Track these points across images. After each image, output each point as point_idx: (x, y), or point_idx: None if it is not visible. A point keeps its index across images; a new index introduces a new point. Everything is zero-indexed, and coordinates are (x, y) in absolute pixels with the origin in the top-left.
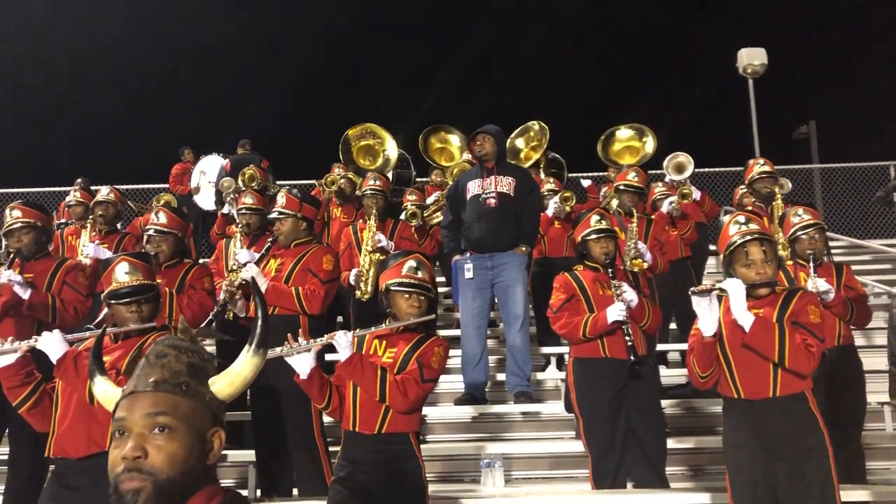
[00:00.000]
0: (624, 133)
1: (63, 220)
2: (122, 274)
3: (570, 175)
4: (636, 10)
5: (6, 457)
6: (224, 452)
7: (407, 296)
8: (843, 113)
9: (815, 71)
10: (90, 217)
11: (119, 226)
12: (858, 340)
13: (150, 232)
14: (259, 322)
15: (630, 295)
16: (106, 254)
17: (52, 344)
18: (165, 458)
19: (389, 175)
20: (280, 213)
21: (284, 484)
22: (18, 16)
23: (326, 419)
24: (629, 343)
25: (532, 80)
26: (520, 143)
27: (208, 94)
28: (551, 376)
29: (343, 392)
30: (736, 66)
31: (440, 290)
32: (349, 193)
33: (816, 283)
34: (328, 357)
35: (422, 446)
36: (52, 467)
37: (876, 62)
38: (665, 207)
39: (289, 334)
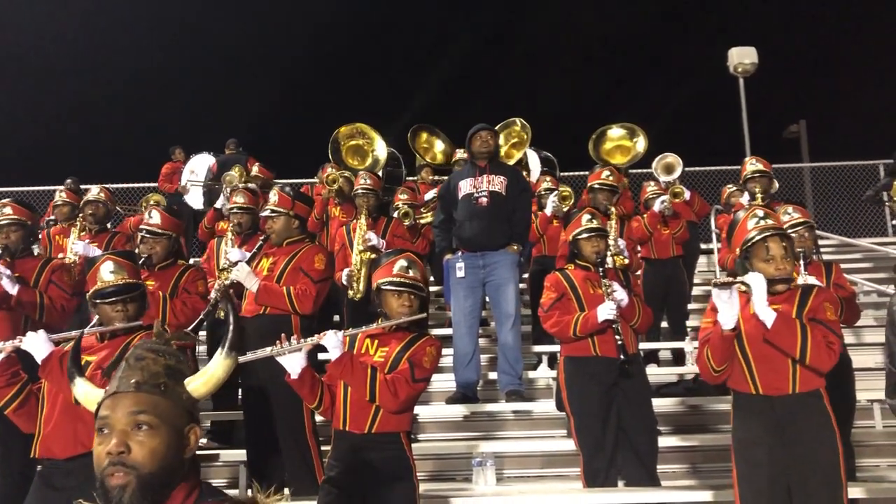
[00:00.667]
0: (615, 132)
1: (51, 218)
2: (108, 273)
3: (561, 174)
4: (626, 9)
5: None
6: (215, 452)
7: (397, 295)
8: (833, 112)
9: (805, 70)
10: (78, 216)
11: (109, 225)
12: (848, 338)
13: (144, 232)
14: (231, 326)
15: (620, 294)
16: (96, 252)
17: (38, 344)
18: (147, 453)
19: (380, 174)
20: (272, 210)
21: (276, 483)
22: (5, 14)
23: (319, 418)
24: (619, 342)
25: (523, 80)
26: (500, 140)
27: (197, 93)
28: (543, 375)
29: (335, 392)
30: (726, 65)
31: (432, 289)
32: (348, 192)
33: (806, 281)
34: (321, 357)
35: (413, 445)
36: (38, 467)
37: (866, 61)
38: (657, 206)
39: (283, 334)
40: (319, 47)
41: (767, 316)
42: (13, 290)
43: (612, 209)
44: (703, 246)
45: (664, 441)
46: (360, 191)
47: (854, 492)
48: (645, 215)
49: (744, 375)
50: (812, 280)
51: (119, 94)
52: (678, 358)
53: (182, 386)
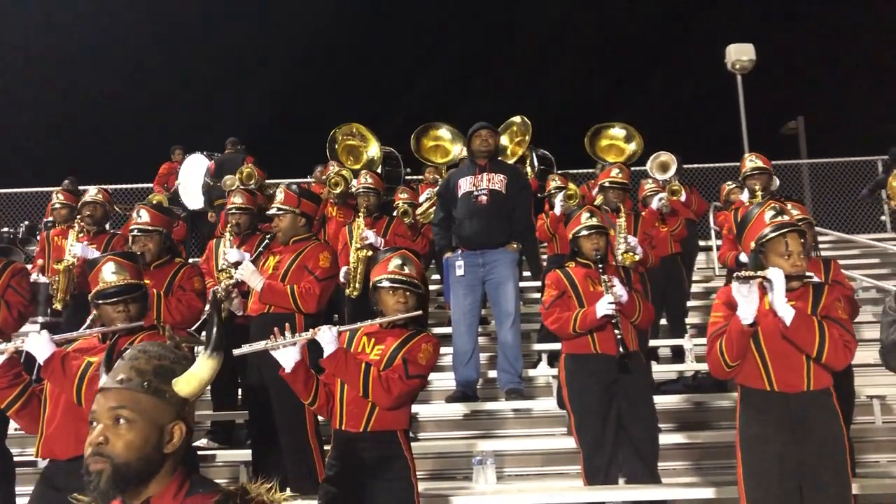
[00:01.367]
0: (614, 131)
1: (49, 219)
2: (109, 274)
3: (558, 172)
4: (624, 6)
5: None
6: (215, 452)
7: (392, 292)
8: (831, 108)
9: (803, 67)
10: (77, 217)
11: (108, 227)
12: None
13: (135, 232)
14: (214, 328)
15: (619, 290)
16: (94, 254)
17: (39, 345)
18: (123, 445)
19: (379, 170)
20: (279, 209)
21: (280, 482)
22: (3, 13)
23: (321, 418)
24: (619, 337)
25: (521, 77)
26: (504, 140)
27: (197, 92)
28: (543, 373)
29: (332, 390)
30: (724, 62)
31: (432, 287)
32: (345, 192)
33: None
34: None
35: (414, 444)
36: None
37: (864, 58)
38: (654, 204)
39: (275, 328)
40: (318, 47)
41: (787, 312)
42: None
43: (622, 206)
44: (701, 243)
45: (664, 438)
46: (361, 189)
47: (854, 488)
48: (643, 213)
49: (758, 371)
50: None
51: (118, 94)
52: (677, 355)
53: (168, 385)
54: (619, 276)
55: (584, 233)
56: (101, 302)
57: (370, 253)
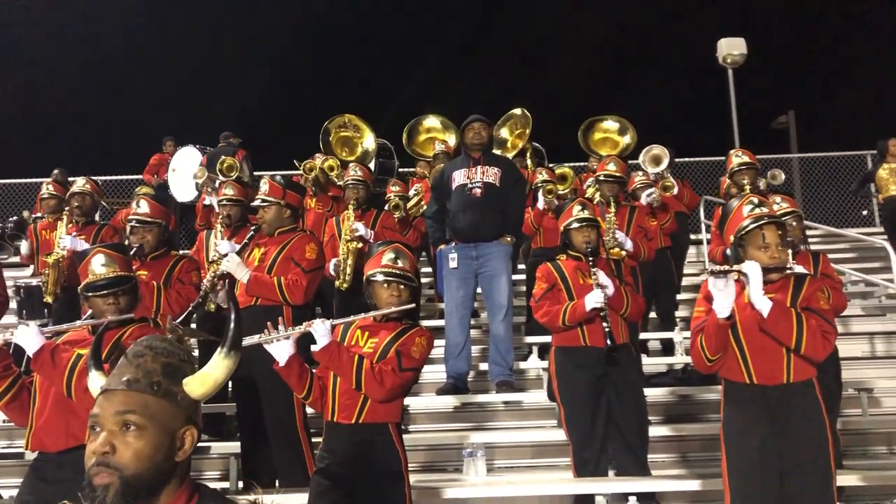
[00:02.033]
0: (605, 123)
1: (38, 214)
2: (99, 266)
3: (550, 164)
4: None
5: None
6: (207, 444)
7: (386, 285)
8: (821, 103)
9: (794, 61)
10: (65, 209)
11: (97, 217)
12: None
13: (133, 222)
14: (232, 325)
15: (605, 281)
16: (83, 245)
17: (29, 337)
18: (132, 455)
19: (371, 165)
20: (263, 200)
21: (266, 475)
22: None
23: (310, 410)
24: (607, 330)
25: (512, 70)
26: (504, 132)
27: (187, 83)
28: (533, 365)
29: (326, 384)
30: (715, 56)
31: (423, 280)
32: (324, 183)
33: (794, 271)
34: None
35: (405, 436)
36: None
37: (854, 53)
38: (644, 199)
39: (268, 322)
40: (312, 38)
41: (764, 305)
42: None
43: (612, 200)
44: (692, 237)
45: (654, 430)
46: (349, 182)
47: (841, 479)
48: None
49: (738, 364)
50: (799, 269)
51: (107, 84)
52: (667, 348)
53: (179, 385)
54: (609, 268)
55: (576, 225)
56: (90, 294)
57: (360, 245)
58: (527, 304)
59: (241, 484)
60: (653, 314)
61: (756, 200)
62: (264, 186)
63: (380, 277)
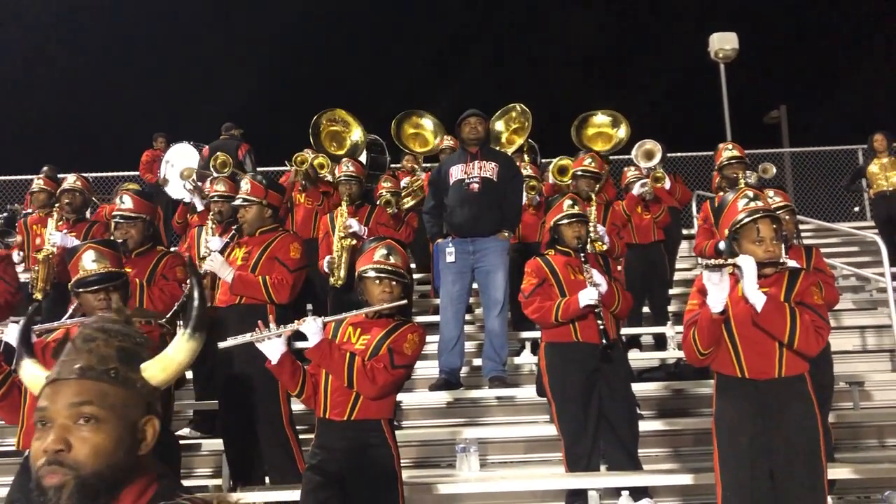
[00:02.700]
0: (599, 118)
1: (28, 210)
2: (89, 262)
3: (543, 160)
4: None
5: None
6: (198, 441)
7: (378, 281)
8: (813, 98)
9: (786, 56)
10: (55, 205)
11: (88, 214)
12: None
13: (117, 218)
14: (196, 304)
15: (598, 279)
16: (73, 242)
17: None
18: (90, 451)
19: (363, 160)
20: (244, 200)
21: (257, 472)
22: None
23: (297, 407)
24: (601, 327)
25: (505, 66)
26: (499, 125)
27: (178, 80)
28: (526, 361)
29: (318, 381)
30: (707, 51)
31: (416, 276)
32: (314, 177)
33: (788, 265)
34: (298, 345)
35: (397, 432)
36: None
37: (846, 48)
38: (636, 189)
39: (259, 321)
40: (303, 34)
41: (758, 299)
42: None
43: (594, 196)
44: (684, 231)
45: (646, 425)
46: (342, 178)
47: (832, 472)
48: (623, 201)
49: (730, 358)
50: (792, 263)
51: (98, 80)
52: (660, 343)
53: (137, 372)
54: (598, 264)
55: (566, 221)
56: (81, 290)
57: (354, 242)
58: (513, 300)
59: (231, 481)
60: (645, 309)
61: (751, 194)
62: (245, 185)
63: (372, 274)
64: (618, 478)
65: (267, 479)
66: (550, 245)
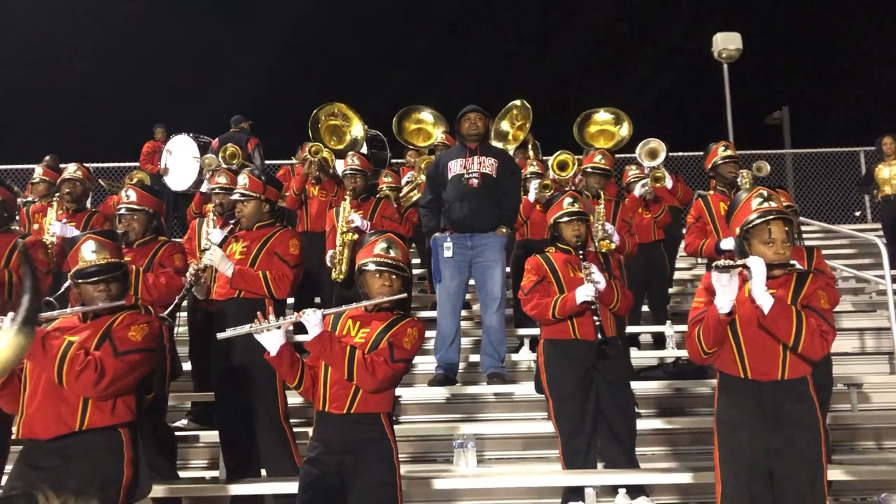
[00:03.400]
0: (600, 116)
1: (29, 198)
2: (89, 252)
3: (545, 157)
4: None
5: None
6: (196, 433)
7: (378, 275)
8: (815, 99)
9: (789, 57)
10: (56, 195)
11: (89, 204)
12: None
13: (122, 210)
14: (27, 296)
15: (598, 277)
16: (73, 232)
17: None
18: None
19: (364, 151)
20: (242, 194)
21: (253, 465)
22: None
23: (294, 400)
24: (597, 323)
25: (507, 62)
26: (505, 125)
27: (180, 70)
28: (524, 357)
29: (317, 373)
30: (711, 51)
31: (415, 271)
32: (326, 170)
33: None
34: (298, 338)
35: (395, 427)
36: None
37: (849, 49)
38: (637, 191)
39: (258, 312)
40: (303, 28)
41: (765, 301)
42: None
43: (602, 193)
44: (684, 231)
45: (644, 423)
46: (347, 171)
47: (829, 474)
48: (625, 200)
49: (733, 358)
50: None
51: (100, 70)
52: (659, 342)
53: None
54: (598, 262)
55: (566, 219)
56: (81, 281)
57: (356, 237)
58: (514, 297)
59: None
60: (644, 307)
61: (765, 193)
62: (243, 180)
63: (371, 267)
64: (615, 475)
65: (263, 472)
66: (550, 242)
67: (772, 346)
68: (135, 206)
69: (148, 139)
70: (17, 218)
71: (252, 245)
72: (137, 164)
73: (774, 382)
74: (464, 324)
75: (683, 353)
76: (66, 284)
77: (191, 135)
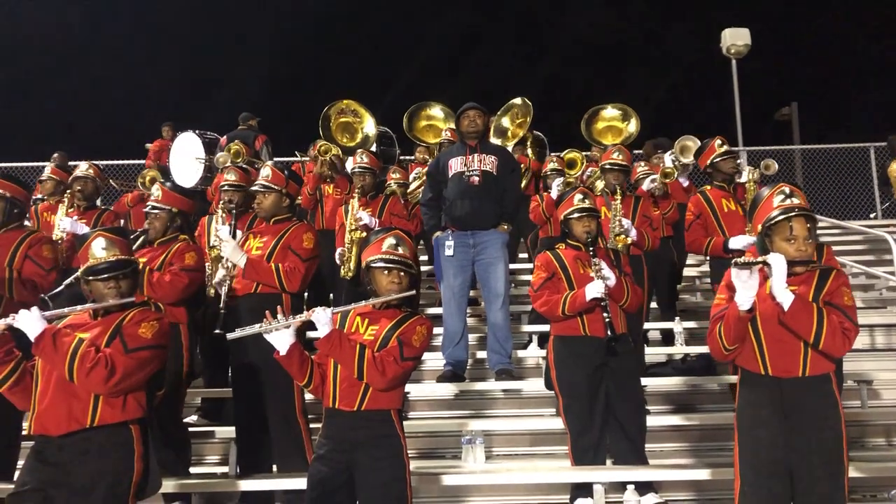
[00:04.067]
0: (608, 112)
1: (39, 196)
2: (100, 249)
3: (554, 155)
4: None
5: None
6: (206, 429)
7: (386, 272)
8: (824, 95)
9: (797, 53)
10: (66, 192)
11: (99, 202)
12: None
13: (148, 208)
14: None
15: (607, 273)
16: (83, 229)
17: (31, 322)
18: None
19: (373, 149)
20: (264, 186)
21: (264, 460)
22: None
23: (308, 396)
24: (607, 320)
25: (515, 59)
26: (505, 121)
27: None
28: (532, 354)
29: (325, 371)
30: (719, 46)
31: (422, 269)
32: (341, 168)
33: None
34: (310, 335)
35: (404, 423)
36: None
37: (858, 45)
38: (646, 185)
39: (267, 311)
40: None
41: (785, 298)
42: None
43: (619, 188)
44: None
45: (654, 420)
46: (356, 169)
47: None
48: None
49: (754, 355)
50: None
51: (111, 68)
52: (667, 338)
53: None
54: (608, 259)
55: (576, 215)
56: (91, 278)
57: (364, 234)
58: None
59: (238, 469)
60: (653, 304)
61: (788, 190)
62: (266, 172)
63: (380, 264)
64: (623, 472)
65: (274, 468)
66: (561, 239)
67: (793, 343)
68: (156, 205)
69: (156, 137)
70: (28, 215)
71: (269, 240)
72: (144, 162)
73: (795, 379)
74: (470, 321)
75: (692, 350)
76: (66, 282)
77: (196, 132)
